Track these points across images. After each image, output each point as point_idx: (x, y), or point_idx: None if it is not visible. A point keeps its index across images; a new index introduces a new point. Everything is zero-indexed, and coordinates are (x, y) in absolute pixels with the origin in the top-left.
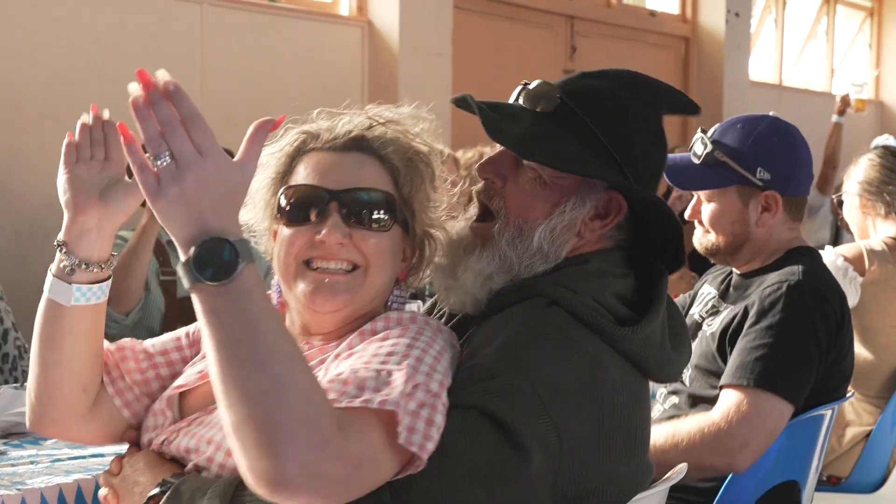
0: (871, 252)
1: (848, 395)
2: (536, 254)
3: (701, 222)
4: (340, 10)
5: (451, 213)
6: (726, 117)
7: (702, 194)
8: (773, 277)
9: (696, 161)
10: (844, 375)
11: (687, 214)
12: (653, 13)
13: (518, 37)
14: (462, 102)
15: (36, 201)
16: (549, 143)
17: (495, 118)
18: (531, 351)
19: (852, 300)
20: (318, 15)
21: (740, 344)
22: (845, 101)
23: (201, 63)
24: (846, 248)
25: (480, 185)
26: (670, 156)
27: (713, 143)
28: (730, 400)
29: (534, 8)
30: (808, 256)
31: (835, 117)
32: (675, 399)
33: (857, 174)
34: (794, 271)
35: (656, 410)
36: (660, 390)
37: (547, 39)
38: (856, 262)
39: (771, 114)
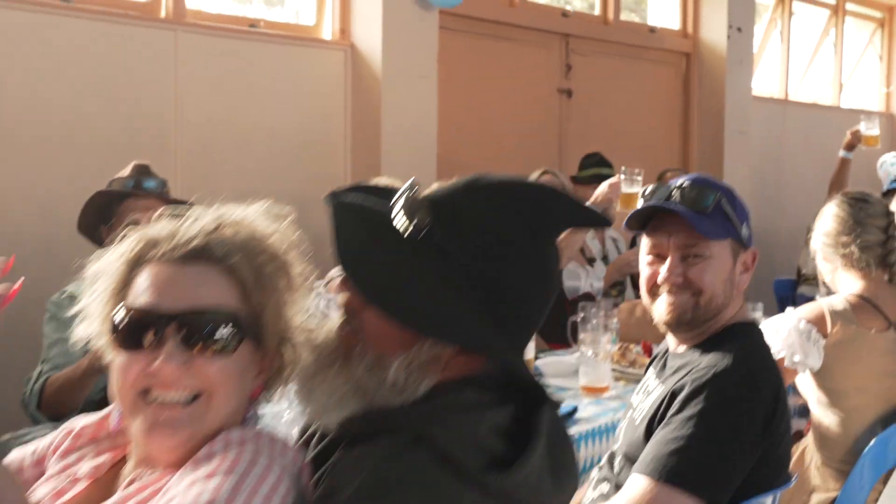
0: (833, 313)
1: (792, 479)
2: (393, 387)
3: (682, 284)
4: (323, 34)
5: None
6: (728, 134)
7: (699, 249)
8: (704, 361)
9: (696, 209)
10: (783, 462)
11: (661, 278)
12: (652, 29)
13: (510, 57)
14: (333, 202)
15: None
16: (402, 285)
17: (354, 245)
18: None
19: (816, 363)
20: (300, 39)
21: (659, 433)
22: (856, 136)
23: (175, 90)
24: (807, 310)
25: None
26: (666, 205)
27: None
28: (636, 488)
29: (526, 27)
30: (747, 337)
31: (842, 152)
32: (604, 487)
33: (818, 226)
34: (726, 356)
35: (587, 497)
36: (593, 472)
37: (541, 58)
38: (818, 323)
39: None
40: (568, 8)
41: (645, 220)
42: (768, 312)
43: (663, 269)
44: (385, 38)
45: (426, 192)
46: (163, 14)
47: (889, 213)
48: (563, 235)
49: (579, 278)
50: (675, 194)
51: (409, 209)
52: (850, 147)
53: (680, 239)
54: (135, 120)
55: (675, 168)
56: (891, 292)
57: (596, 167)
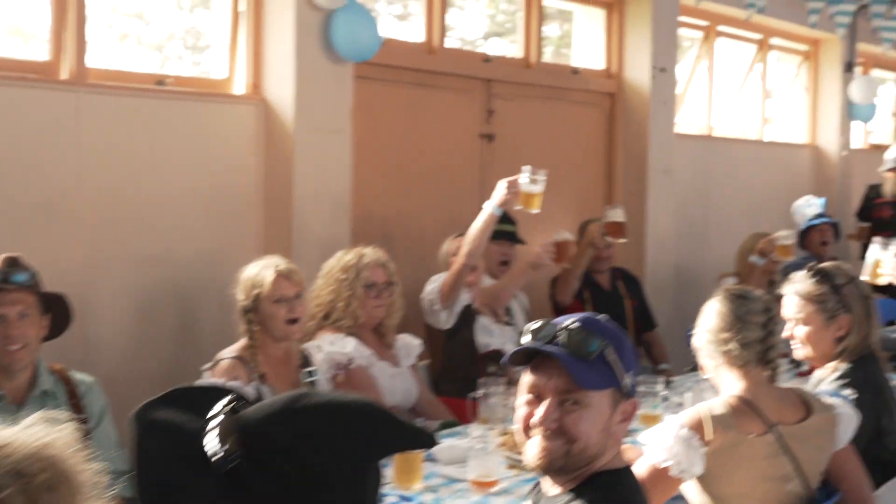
0: (713, 418)
1: None
2: None
3: (557, 430)
4: (234, 89)
5: None
6: (652, 174)
7: (578, 396)
8: None
9: (579, 356)
10: None
11: (535, 420)
12: (575, 70)
13: (430, 104)
14: (138, 423)
15: None
16: None
17: (157, 471)
18: None
19: (698, 470)
20: (210, 95)
21: None
22: (771, 244)
23: (77, 154)
24: (688, 416)
25: None
26: (552, 352)
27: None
28: None
29: (447, 73)
30: (614, 487)
31: (753, 258)
32: None
33: (701, 322)
34: None
35: None
36: None
37: (462, 104)
38: (698, 429)
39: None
40: (489, 53)
41: (529, 356)
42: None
43: (539, 412)
44: (297, 91)
45: (246, 410)
46: (63, 76)
47: (769, 309)
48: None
49: (493, 335)
50: (561, 336)
51: (222, 433)
52: (763, 254)
53: (559, 384)
54: (32, 187)
55: (596, 218)
56: (771, 392)
57: (502, 224)
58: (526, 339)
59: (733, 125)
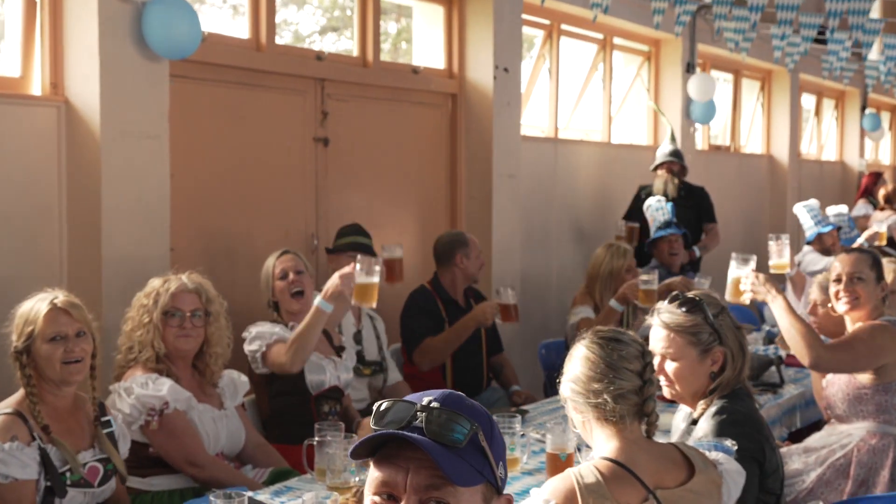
0: (584, 488)
1: None
2: None
3: None
4: (31, 89)
5: None
6: (497, 178)
7: (445, 495)
8: None
9: (446, 442)
10: None
11: None
12: (415, 70)
13: (258, 105)
14: None
15: None
16: None
17: None
18: None
19: None
20: (2, 96)
21: None
22: (632, 290)
23: None
24: (557, 487)
25: None
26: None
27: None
28: None
29: (276, 72)
30: None
31: (613, 302)
32: None
33: (566, 370)
34: None
35: None
36: None
37: (294, 106)
38: (569, 502)
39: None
40: (323, 50)
41: (376, 445)
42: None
43: None
44: (103, 92)
45: None
46: None
47: (646, 354)
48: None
49: (324, 372)
50: (420, 417)
51: None
52: (623, 300)
53: (420, 480)
54: None
55: (452, 232)
56: (649, 450)
57: (352, 235)
58: (373, 423)
59: (579, 127)
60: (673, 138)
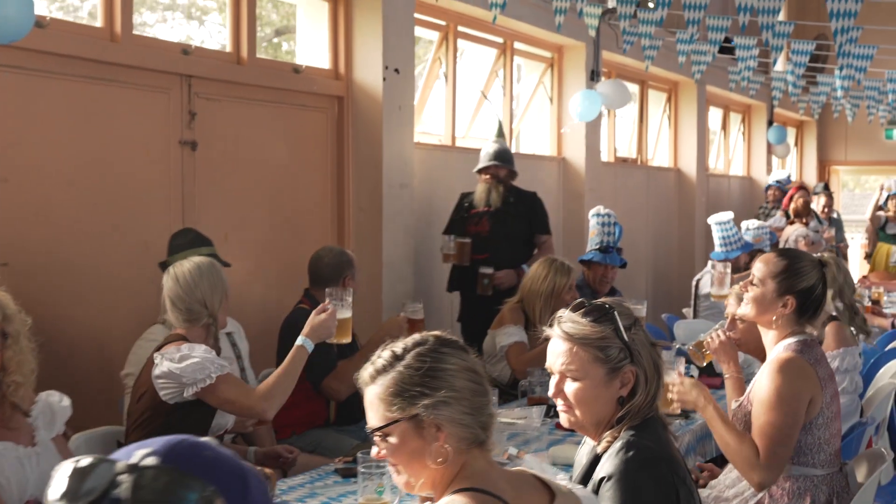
0: None
1: None
2: None
3: None
4: None
5: None
6: (387, 187)
7: None
8: None
9: None
10: None
11: None
12: (297, 69)
13: (113, 103)
14: None
15: None
16: None
17: None
18: None
19: None
20: None
21: None
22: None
23: None
24: None
25: None
26: None
27: None
28: None
29: (134, 66)
30: None
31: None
32: None
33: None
34: None
35: None
36: None
37: (156, 104)
38: None
39: None
40: (190, 44)
41: None
42: None
43: None
44: None
45: None
46: None
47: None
48: None
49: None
50: (124, 484)
51: None
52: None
53: None
54: None
55: (332, 250)
56: (504, 475)
57: (191, 248)
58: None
59: (479, 135)
60: (500, 133)
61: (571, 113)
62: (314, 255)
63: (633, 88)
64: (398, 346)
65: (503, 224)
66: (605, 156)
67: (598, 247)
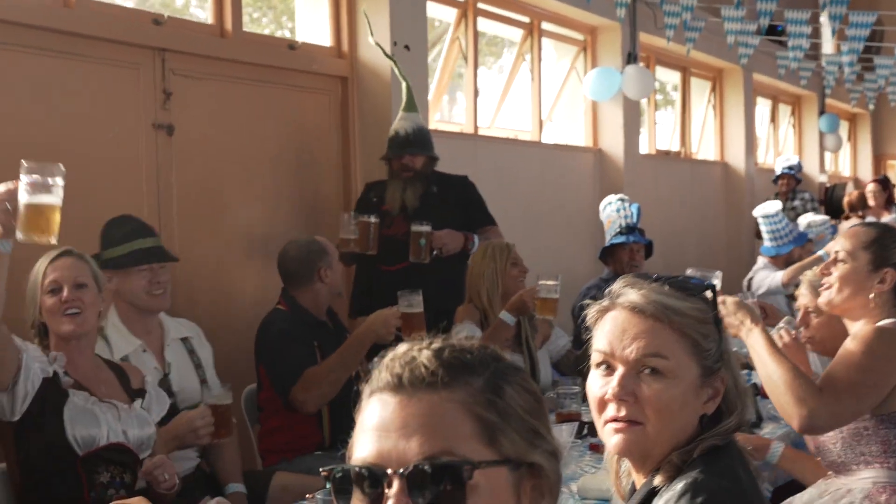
0: None
1: None
2: None
3: None
4: None
5: None
6: None
7: None
8: None
9: None
10: None
11: None
12: (292, 45)
13: (73, 80)
14: None
15: None
16: None
17: None
18: None
19: None
20: None
21: None
22: (529, 298)
23: None
24: None
25: None
26: None
27: None
28: None
29: (95, 37)
30: None
31: (504, 314)
32: None
33: None
34: None
35: None
36: None
37: (124, 83)
38: None
39: None
40: (163, 13)
41: None
42: None
43: None
44: None
45: None
46: None
47: None
48: None
49: (98, 422)
50: None
51: None
52: (518, 310)
53: None
54: None
55: (299, 242)
56: None
57: (135, 240)
58: None
59: (505, 123)
60: (411, 106)
61: (584, 90)
62: (280, 252)
63: (674, 77)
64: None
65: (427, 218)
66: (645, 148)
67: (617, 231)
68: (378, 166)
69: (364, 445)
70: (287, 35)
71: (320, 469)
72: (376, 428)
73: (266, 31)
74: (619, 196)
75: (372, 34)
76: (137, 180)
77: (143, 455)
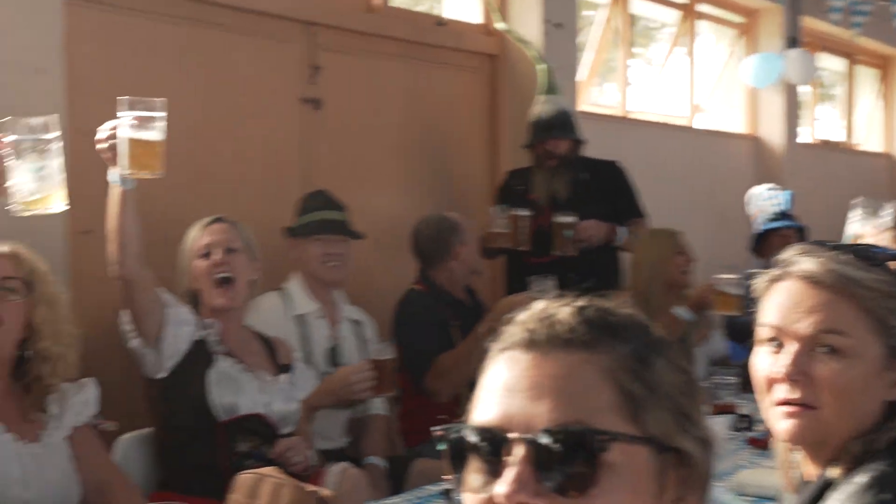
0: None
1: None
2: None
3: None
4: None
5: None
6: None
7: None
8: None
9: None
10: None
11: None
12: (441, 22)
13: (220, 52)
14: None
15: None
16: None
17: None
18: None
19: None
20: None
21: None
22: (711, 291)
23: None
24: None
25: None
26: None
27: None
28: None
29: (241, 8)
30: None
31: (680, 310)
32: None
33: None
34: None
35: None
36: None
37: (273, 56)
38: None
39: None
40: None
41: None
42: None
43: None
44: None
45: None
46: None
47: None
48: None
49: (240, 390)
50: None
51: None
52: (699, 306)
53: None
54: None
55: (429, 219)
56: None
57: (321, 210)
58: None
59: (655, 106)
60: (551, 87)
61: (742, 76)
62: (412, 232)
63: (840, 64)
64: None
65: (576, 210)
66: (806, 136)
67: (769, 219)
68: (527, 150)
69: (486, 406)
70: (435, 11)
71: (432, 429)
72: (502, 388)
73: (415, 7)
74: (768, 186)
75: (502, 19)
76: (284, 153)
77: (284, 430)
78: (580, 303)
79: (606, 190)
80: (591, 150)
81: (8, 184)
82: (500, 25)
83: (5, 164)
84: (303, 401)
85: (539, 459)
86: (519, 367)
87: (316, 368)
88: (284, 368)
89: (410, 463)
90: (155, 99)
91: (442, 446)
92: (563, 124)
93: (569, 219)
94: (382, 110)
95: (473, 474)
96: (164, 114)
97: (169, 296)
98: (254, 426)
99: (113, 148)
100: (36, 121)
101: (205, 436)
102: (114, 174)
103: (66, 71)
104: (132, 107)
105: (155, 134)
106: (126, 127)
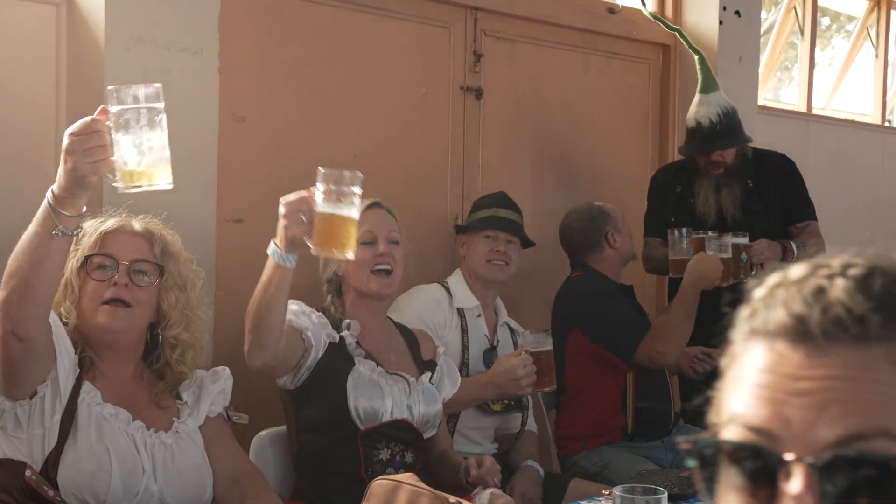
0: None
1: None
2: None
3: None
4: None
5: None
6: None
7: None
8: None
9: None
10: None
11: None
12: (612, 9)
13: (379, 36)
14: None
15: None
16: None
17: None
18: None
19: None
20: None
21: None
22: None
23: None
24: None
25: None
26: None
27: None
28: None
29: None
30: None
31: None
32: None
33: None
34: None
35: None
36: None
37: (433, 42)
38: None
39: None
40: None
41: None
42: None
43: None
44: None
45: None
46: None
47: None
48: None
49: (382, 395)
50: None
51: None
52: None
53: None
54: None
55: (577, 211)
56: None
57: (492, 208)
58: None
59: (841, 102)
60: (711, 85)
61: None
62: (561, 226)
63: None
64: None
65: (746, 223)
66: None
67: None
68: None
69: (750, 402)
70: None
71: (678, 440)
72: (770, 386)
73: None
74: None
75: (644, 4)
76: (443, 142)
77: (426, 434)
78: (857, 270)
79: (776, 192)
80: (772, 148)
81: (114, 157)
82: (644, 10)
83: (112, 137)
84: (456, 392)
85: (827, 486)
86: (789, 365)
87: (473, 366)
88: (427, 366)
89: (566, 484)
90: (353, 172)
91: (692, 462)
92: (729, 131)
93: (743, 240)
94: (546, 102)
95: (730, 493)
96: (360, 189)
97: (304, 315)
98: (395, 432)
99: (300, 222)
100: (142, 90)
101: (344, 444)
102: (277, 249)
103: (219, 52)
104: (327, 180)
105: (350, 210)
106: (320, 201)
